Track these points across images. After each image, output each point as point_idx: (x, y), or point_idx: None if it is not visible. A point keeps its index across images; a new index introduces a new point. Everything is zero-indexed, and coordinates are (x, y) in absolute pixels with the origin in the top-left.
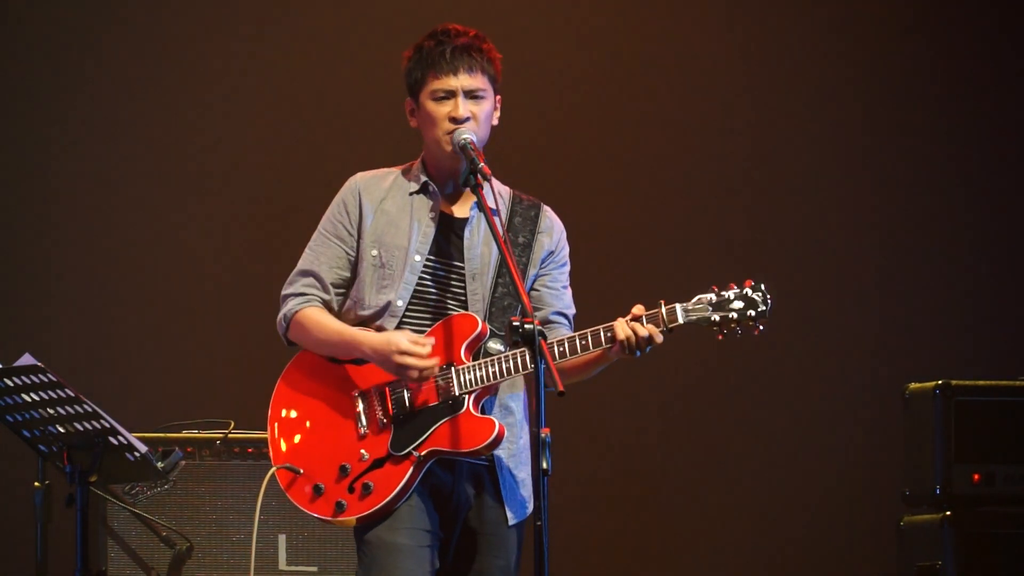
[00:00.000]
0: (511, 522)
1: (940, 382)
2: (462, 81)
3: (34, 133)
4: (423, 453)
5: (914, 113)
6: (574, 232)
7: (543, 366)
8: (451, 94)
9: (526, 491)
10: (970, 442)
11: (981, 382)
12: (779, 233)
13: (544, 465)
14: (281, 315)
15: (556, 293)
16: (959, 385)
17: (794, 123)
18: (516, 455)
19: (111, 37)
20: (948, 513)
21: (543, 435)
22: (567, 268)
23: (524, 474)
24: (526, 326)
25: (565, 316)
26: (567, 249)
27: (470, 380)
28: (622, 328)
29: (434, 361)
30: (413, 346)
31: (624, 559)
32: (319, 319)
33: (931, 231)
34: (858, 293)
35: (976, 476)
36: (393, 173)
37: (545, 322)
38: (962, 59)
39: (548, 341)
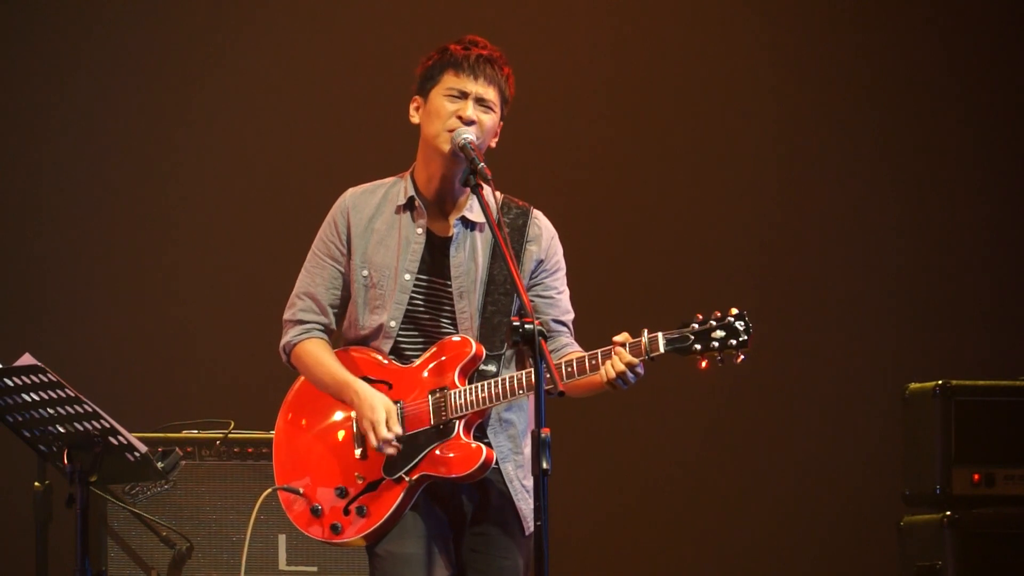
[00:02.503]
0: (527, 532)
1: (940, 382)
2: (479, 87)
3: (35, 135)
4: (414, 478)
5: (915, 115)
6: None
7: (543, 366)
8: (464, 95)
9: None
10: (970, 442)
11: (981, 382)
12: (779, 233)
13: (544, 465)
14: (282, 344)
15: (551, 301)
16: (959, 385)
17: (795, 127)
18: (523, 465)
19: (111, 38)
20: (948, 513)
21: (543, 435)
22: (562, 272)
23: (532, 482)
24: (526, 326)
25: (562, 323)
26: (560, 253)
27: (461, 405)
28: (609, 366)
29: (390, 448)
30: (383, 421)
31: (624, 559)
32: (317, 357)
33: (932, 231)
34: (859, 293)
35: (976, 476)
36: (384, 186)
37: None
38: (962, 60)
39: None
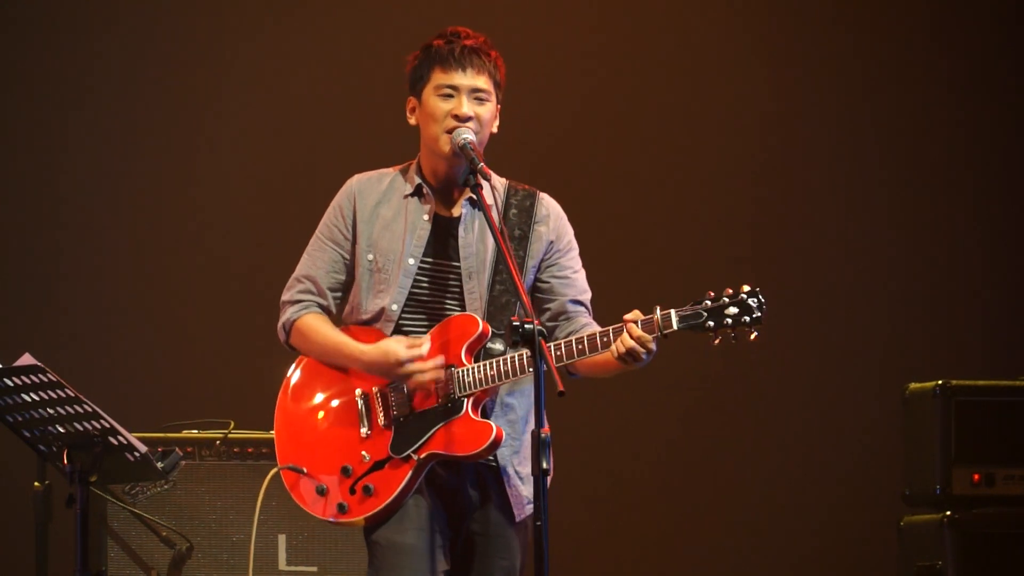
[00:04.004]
0: (517, 519)
1: (940, 382)
2: (469, 79)
3: (36, 134)
4: (422, 456)
5: (915, 114)
6: (580, 228)
7: (543, 366)
8: (456, 90)
9: (530, 488)
10: (970, 442)
11: (981, 382)
12: (780, 232)
13: (544, 465)
14: (281, 323)
15: (567, 281)
16: (959, 385)
17: (797, 124)
18: (519, 452)
19: (115, 40)
20: (948, 513)
21: (543, 435)
22: (575, 252)
23: (528, 470)
24: (526, 326)
25: (580, 303)
26: (571, 233)
27: (469, 383)
28: (620, 341)
29: (437, 360)
30: (411, 352)
31: (624, 559)
32: (318, 328)
33: (931, 231)
34: (858, 293)
35: (976, 476)
36: (389, 175)
37: (561, 313)
38: (963, 61)
39: (553, 340)
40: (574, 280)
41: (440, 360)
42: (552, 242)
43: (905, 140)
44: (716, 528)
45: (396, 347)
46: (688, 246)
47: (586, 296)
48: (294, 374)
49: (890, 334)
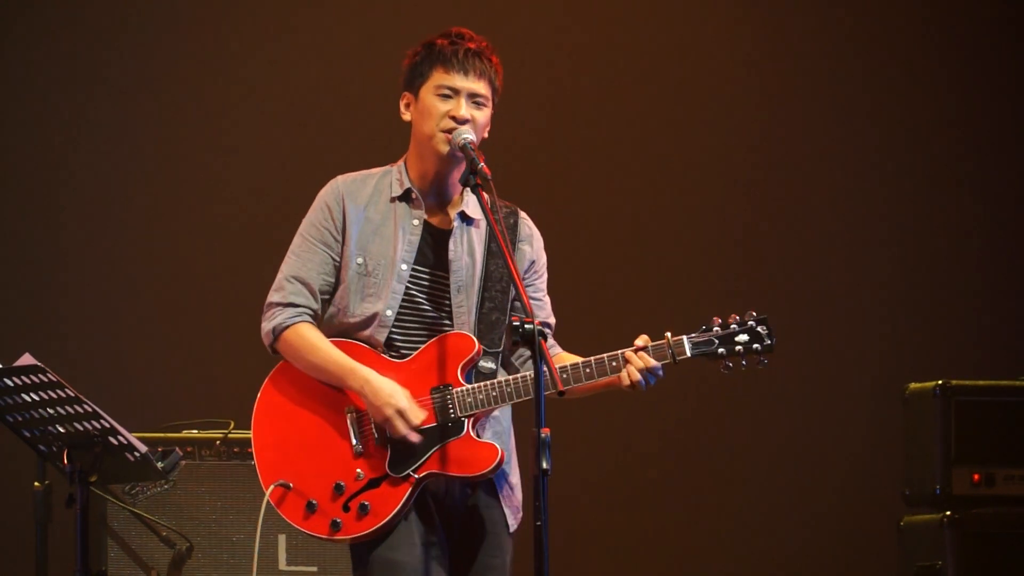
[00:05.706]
0: (511, 529)
1: (940, 382)
2: (469, 83)
3: (37, 135)
4: (421, 475)
5: (915, 114)
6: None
7: (543, 366)
8: (456, 92)
9: (519, 497)
10: (970, 442)
11: (981, 382)
12: (780, 233)
13: (544, 465)
14: (270, 326)
15: (539, 303)
16: (959, 385)
17: (795, 124)
18: (508, 461)
19: (118, 43)
20: (948, 513)
21: (543, 435)
22: (545, 277)
23: (516, 479)
24: (526, 326)
25: (548, 325)
26: (545, 257)
27: (470, 404)
28: (632, 368)
29: (416, 436)
30: (410, 411)
31: (624, 559)
32: (313, 341)
33: (931, 231)
34: (859, 293)
35: (976, 476)
36: (374, 176)
37: None
38: (964, 61)
39: (519, 360)
40: (543, 304)
41: (418, 436)
42: (533, 262)
43: (904, 139)
44: (716, 528)
45: (402, 396)
46: (686, 245)
47: (552, 321)
48: (273, 383)
49: (890, 334)
